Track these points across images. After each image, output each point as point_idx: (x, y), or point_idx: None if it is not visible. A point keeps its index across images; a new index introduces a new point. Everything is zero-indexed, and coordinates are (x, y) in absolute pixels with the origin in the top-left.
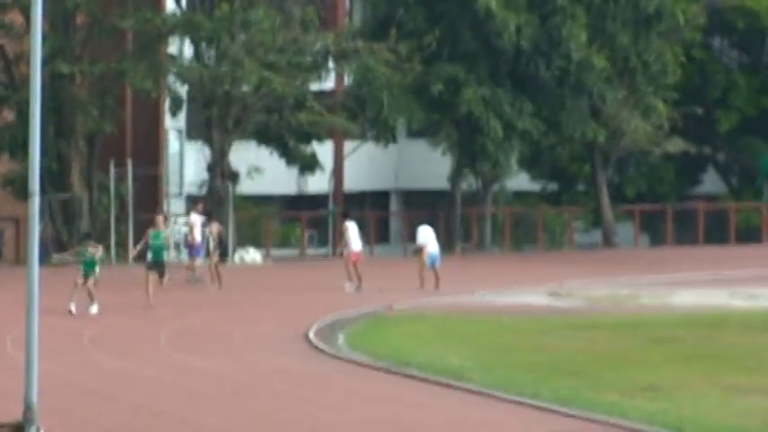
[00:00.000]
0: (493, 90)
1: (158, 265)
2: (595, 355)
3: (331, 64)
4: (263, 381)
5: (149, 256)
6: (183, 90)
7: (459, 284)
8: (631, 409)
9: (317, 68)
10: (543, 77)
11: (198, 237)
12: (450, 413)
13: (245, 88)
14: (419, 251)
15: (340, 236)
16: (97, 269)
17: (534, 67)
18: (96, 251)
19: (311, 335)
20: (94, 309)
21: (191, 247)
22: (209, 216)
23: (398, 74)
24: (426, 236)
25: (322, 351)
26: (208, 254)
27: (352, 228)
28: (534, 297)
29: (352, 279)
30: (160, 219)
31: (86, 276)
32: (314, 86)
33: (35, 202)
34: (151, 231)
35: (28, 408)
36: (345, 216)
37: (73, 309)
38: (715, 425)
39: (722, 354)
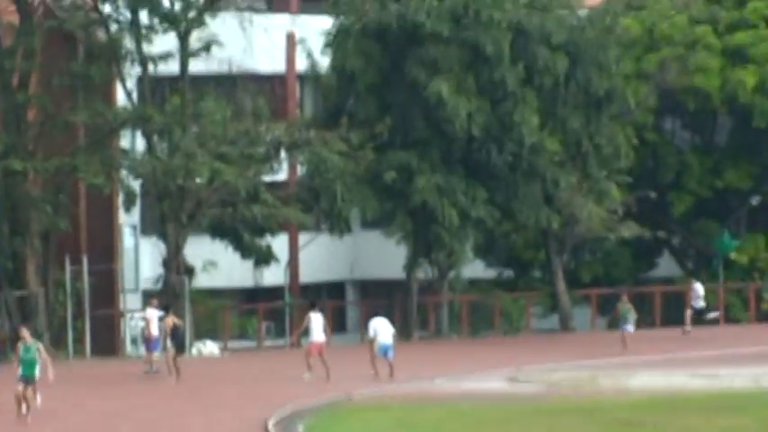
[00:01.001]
0: (446, 177)
1: (29, 380)
2: None
3: (283, 154)
4: None
5: (20, 370)
6: (136, 184)
7: (417, 371)
8: None
9: (270, 159)
10: (496, 163)
11: (154, 331)
12: None
13: (198, 181)
14: (371, 342)
15: (300, 326)
16: (37, 371)
17: (486, 153)
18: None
19: (270, 427)
20: (38, 400)
21: (147, 341)
22: (167, 310)
23: (351, 163)
24: (377, 328)
25: None
26: (165, 347)
27: (316, 318)
28: (493, 383)
29: (311, 369)
30: (25, 332)
31: (27, 381)
32: (267, 178)
33: None
34: (21, 345)
35: None
36: (312, 306)
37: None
38: None
39: None
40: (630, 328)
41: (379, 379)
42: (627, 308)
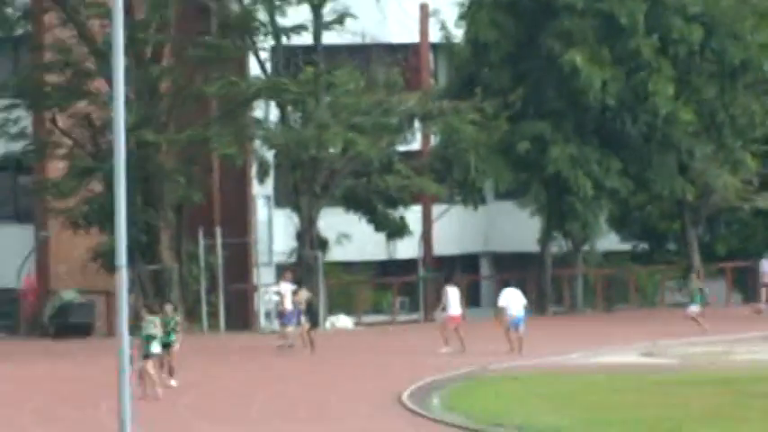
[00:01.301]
0: (580, 148)
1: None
2: (691, 411)
3: (417, 125)
4: None
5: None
6: (269, 155)
7: (552, 345)
8: None
9: (403, 130)
10: (630, 133)
11: (288, 305)
12: None
13: (331, 151)
14: (501, 314)
15: (436, 302)
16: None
17: (621, 123)
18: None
19: (405, 398)
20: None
21: (281, 316)
22: (299, 284)
23: (485, 133)
24: (508, 299)
25: (417, 414)
26: (299, 322)
27: (452, 292)
28: (628, 356)
29: (448, 343)
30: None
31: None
32: (400, 148)
33: (123, 275)
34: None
35: None
36: (447, 281)
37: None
38: None
39: None
40: (695, 308)
41: (511, 352)
42: (696, 286)
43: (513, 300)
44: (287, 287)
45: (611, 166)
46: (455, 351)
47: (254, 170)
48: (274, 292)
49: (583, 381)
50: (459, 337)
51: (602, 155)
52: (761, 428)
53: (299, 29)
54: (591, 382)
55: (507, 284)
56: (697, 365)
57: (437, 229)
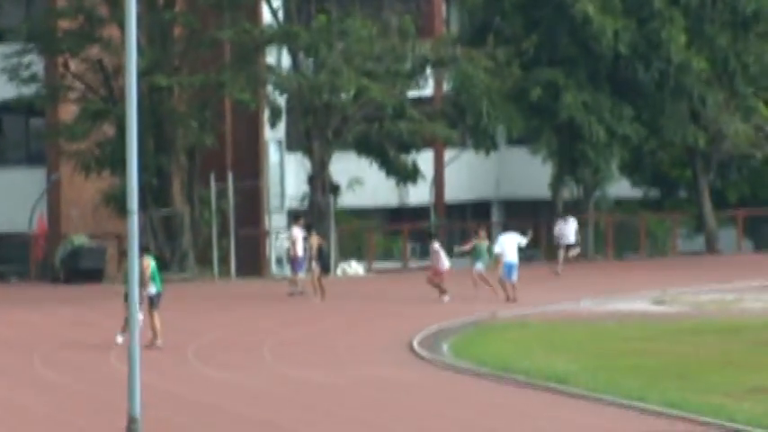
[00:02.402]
0: (592, 95)
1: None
2: (701, 358)
3: (429, 71)
4: (368, 390)
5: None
6: (281, 100)
7: (562, 292)
8: (738, 411)
9: (416, 76)
10: (642, 81)
11: (300, 251)
12: (557, 419)
13: (343, 97)
14: (497, 260)
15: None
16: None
17: (633, 70)
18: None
19: (415, 344)
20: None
21: (293, 261)
22: (309, 229)
23: (497, 80)
24: (504, 245)
25: (427, 360)
26: (310, 268)
27: (438, 249)
28: (638, 304)
29: (446, 291)
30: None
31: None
32: (412, 94)
33: (134, 219)
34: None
35: (132, 421)
36: (431, 237)
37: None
38: None
39: None
40: (480, 266)
41: (501, 299)
42: (483, 244)
43: (508, 246)
44: (299, 232)
45: (624, 112)
46: (464, 298)
47: (266, 115)
48: (285, 238)
49: (592, 328)
50: (438, 286)
51: (615, 102)
52: None
53: None
54: (600, 330)
55: (505, 228)
56: (707, 313)
57: (448, 175)
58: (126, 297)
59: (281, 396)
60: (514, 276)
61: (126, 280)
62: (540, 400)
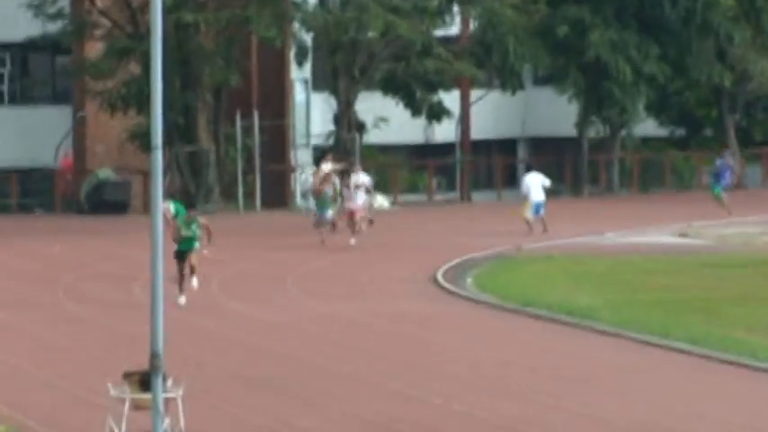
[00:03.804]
0: (619, 32)
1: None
2: (725, 293)
3: (456, 8)
4: (390, 323)
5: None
6: (308, 38)
7: (587, 226)
8: (760, 347)
9: (442, 13)
10: (669, 18)
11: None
12: (577, 355)
13: (370, 34)
14: (525, 201)
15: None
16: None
17: (660, 7)
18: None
19: (439, 276)
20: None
21: (317, 196)
22: (345, 166)
23: (524, 17)
24: (530, 184)
25: (451, 292)
26: (334, 200)
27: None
28: (663, 237)
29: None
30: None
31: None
32: (439, 32)
33: (158, 155)
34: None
35: (154, 356)
36: (344, 173)
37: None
38: None
39: None
40: (329, 214)
41: (533, 235)
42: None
43: (533, 185)
44: (326, 168)
45: (650, 51)
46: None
47: (292, 53)
48: (312, 173)
49: (617, 261)
50: (357, 226)
51: (641, 40)
52: None
53: None
54: (625, 263)
55: (528, 169)
56: (732, 247)
57: (475, 114)
58: (175, 255)
59: (304, 329)
60: (542, 212)
61: (179, 236)
62: (561, 334)
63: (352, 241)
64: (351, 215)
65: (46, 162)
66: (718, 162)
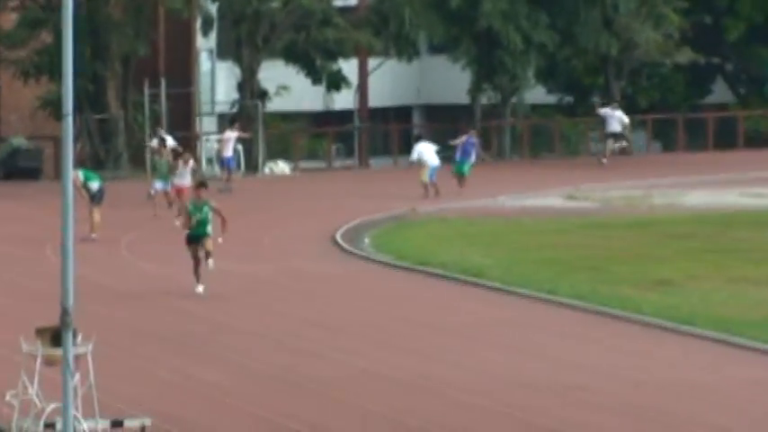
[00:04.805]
0: (510, 3)
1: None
2: (611, 252)
3: None
4: (293, 282)
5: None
6: (213, 9)
7: (480, 190)
8: (644, 302)
9: None
10: None
11: (229, 152)
12: (472, 311)
13: (273, 5)
14: (421, 166)
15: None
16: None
17: None
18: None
19: (338, 237)
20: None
21: (222, 161)
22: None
23: None
24: (422, 152)
25: (349, 252)
26: (238, 166)
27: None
28: (552, 200)
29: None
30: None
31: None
32: (338, 3)
33: (68, 123)
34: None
35: (65, 312)
36: (177, 155)
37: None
38: (726, 317)
39: (731, 248)
40: (160, 185)
41: (429, 198)
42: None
43: (427, 152)
44: (230, 135)
45: (540, 20)
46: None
47: (198, 23)
48: (216, 140)
49: (508, 222)
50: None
51: (531, 10)
52: (677, 267)
53: None
54: (516, 224)
55: (418, 138)
56: (616, 209)
57: (372, 82)
58: (187, 240)
59: (208, 288)
60: (435, 177)
61: (190, 221)
62: (455, 292)
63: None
64: (178, 192)
65: None
66: (466, 138)
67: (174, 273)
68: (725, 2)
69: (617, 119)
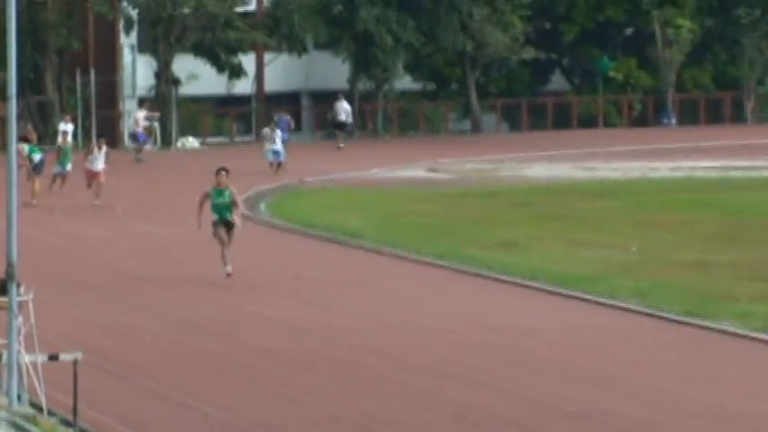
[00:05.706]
0: (383, 10)
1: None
2: (464, 217)
3: None
4: (199, 240)
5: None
6: (134, 13)
7: (357, 163)
8: (494, 261)
9: None
10: None
11: (140, 128)
12: (350, 267)
13: (185, 11)
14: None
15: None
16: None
17: None
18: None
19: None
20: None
21: (134, 136)
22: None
23: None
24: (266, 135)
25: (247, 217)
26: (155, 142)
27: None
28: (417, 172)
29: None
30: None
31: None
32: (239, 9)
33: (13, 104)
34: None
35: (10, 265)
36: (99, 137)
37: None
38: (562, 273)
39: (567, 215)
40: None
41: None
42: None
43: (270, 136)
44: (141, 114)
45: (408, 23)
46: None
47: (121, 24)
48: (134, 119)
49: (380, 192)
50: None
51: (401, 15)
52: (521, 231)
53: None
54: (387, 193)
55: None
56: (471, 179)
57: (268, 72)
58: (214, 224)
59: (126, 246)
60: (282, 158)
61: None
62: (337, 251)
63: (96, 202)
64: (92, 176)
65: None
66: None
67: (101, 233)
68: (562, 10)
69: (344, 109)
